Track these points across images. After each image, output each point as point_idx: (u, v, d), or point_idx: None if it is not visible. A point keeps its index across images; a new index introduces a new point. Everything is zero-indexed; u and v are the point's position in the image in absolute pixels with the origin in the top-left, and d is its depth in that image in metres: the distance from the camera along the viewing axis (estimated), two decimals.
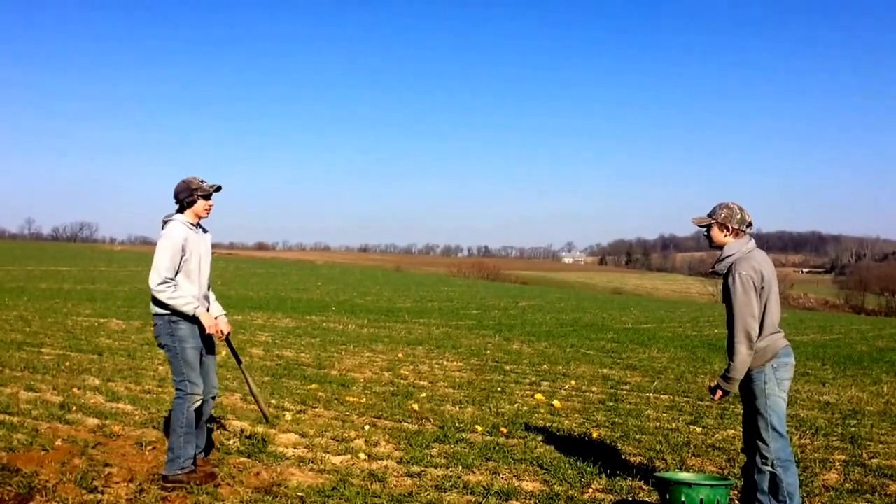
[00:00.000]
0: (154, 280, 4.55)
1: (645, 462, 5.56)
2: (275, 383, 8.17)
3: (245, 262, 60.38)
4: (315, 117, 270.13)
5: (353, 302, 23.18)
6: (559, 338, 14.47)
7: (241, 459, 5.23)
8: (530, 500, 4.64)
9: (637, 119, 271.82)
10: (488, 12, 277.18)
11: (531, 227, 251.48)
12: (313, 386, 8.07)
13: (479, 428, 6.38)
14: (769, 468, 4.06)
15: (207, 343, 4.85)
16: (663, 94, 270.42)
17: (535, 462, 5.39)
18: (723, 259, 4.19)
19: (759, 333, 4.07)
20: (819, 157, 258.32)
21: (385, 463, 5.27)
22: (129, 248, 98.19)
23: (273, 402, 7.16)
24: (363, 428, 6.26)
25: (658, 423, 6.88)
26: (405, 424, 6.49)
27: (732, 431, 6.56)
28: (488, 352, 11.77)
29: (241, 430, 5.98)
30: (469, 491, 4.73)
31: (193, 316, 4.63)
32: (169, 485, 4.57)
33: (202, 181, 4.71)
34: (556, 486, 4.88)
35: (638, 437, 6.32)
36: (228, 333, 4.90)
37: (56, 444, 5.36)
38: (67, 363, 8.93)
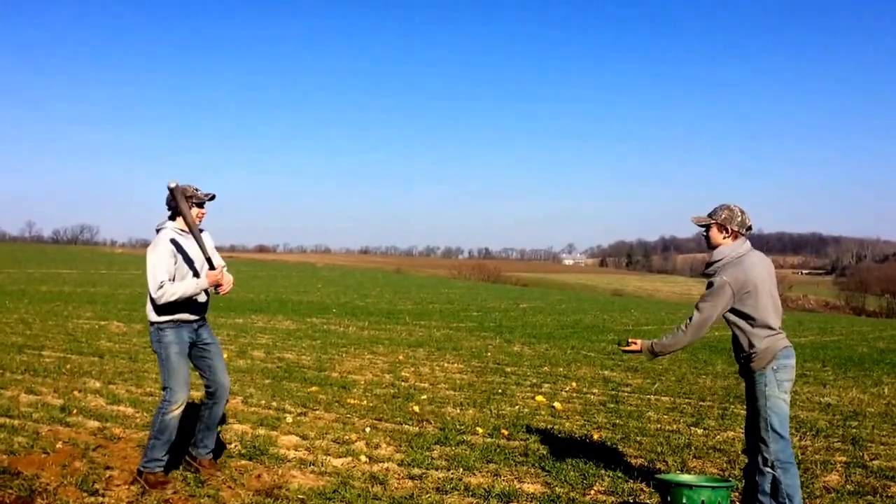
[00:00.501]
0: (153, 289, 4.53)
1: (646, 464, 5.56)
2: (276, 386, 8.17)
3: (246, 265, 60.37)
4: (315, 119, 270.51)
5: (353, 304, 23.18)
6: (560, 339, 14.47)
7: (242, 462, 5.23)
8: (531, 502, 4.63)
9: (637, 120, 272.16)
10: (489, 14, 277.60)
11: (532, 228, 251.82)
12: (314, 388, 8.07)
13: (480, 430, 6.38)
14: (769, 469, 4.06)
15: (204, 343, 4.85)
16: (663, 96, 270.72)
17: (536, 464, 5.39)
18: (713, 263, 4.25)
19: (758, 336, 4.10)
20: (819, 159, 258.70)
21: (386, 465, 5.27)
22: (129, 250, 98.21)
23: (274, 404, 7.16)
24: (364, 430, 6.26)
25: (659, 425, 6.87)
26: (406, 426, 6.49)
27: (733, 433, 6.55)
28: (489, 354, 11.77)
29: (243, 433, 5.98)
30: (470, 493, 4.72)
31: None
32: (144, 475, 4.62)
33: (196, 189, 4.70)
34: (557, 488, 4.87)
35: (639, 438, 6.32)
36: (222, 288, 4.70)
37: (57, 446, 5.36)
38: (68, 366, 8.93)
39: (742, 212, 4.24)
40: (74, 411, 6.52)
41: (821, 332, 20.45)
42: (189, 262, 4.70)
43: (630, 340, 4.45)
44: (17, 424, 5.98)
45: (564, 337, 15.07)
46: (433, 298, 28.87)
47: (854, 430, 6.87)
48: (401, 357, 10.95)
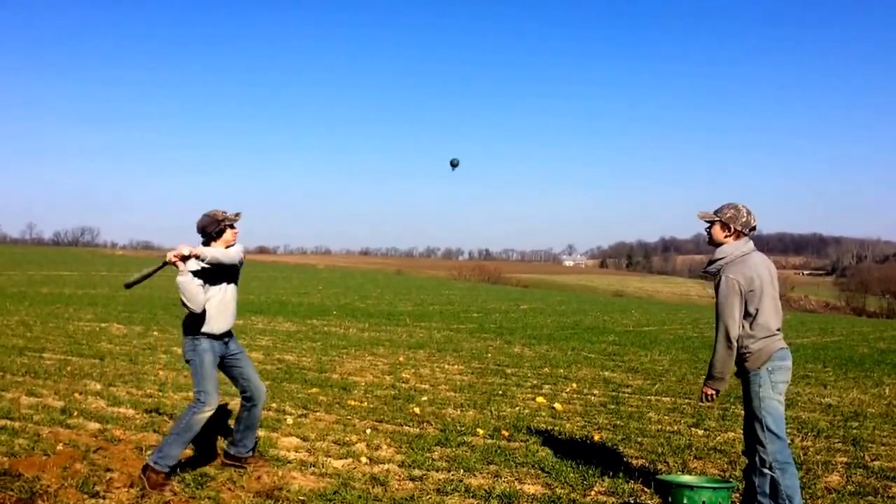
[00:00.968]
0: (197, 306, 4.85)
1: (647, 465, 5.56)
2: (276, 387, 8.17)
3: (246, 266, 60.01)
4: (315, 120, 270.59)
5: (353, 305, 23.18)
6: (560, 341, 14.46)
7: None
8: (532, 503, 4.63)
9: (638, 121, 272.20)
10: (489, 13, 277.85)
11: (532, 230, 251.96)
12: (314, 390, 8.07)
13: (481, 431, 6.38)
14: (767, 470, 4.05)
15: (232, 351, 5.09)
16: (664, 96, 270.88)
17: (536, 465, 5.39)
18: (714, 261, 4.23)
19: (753, 336, 4.09)
20: (820, 159, 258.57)
21: (386, 466, 5.27)
22: (130, 252, 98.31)
23: (274, 405, 7.16)
24: (364, 432, 6.26)
25: (660, 426, 6.87)
26: (406, 428, 6.49)
27: (734, 434, 6.55)
28: (489, 355, 11.77)
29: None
30: (471, 494, 4.72)
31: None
32: (148, 473, 4.67)
33: (225, 212, 5.02)
34: (557, 490, 4.87)
35: (640, 439, 6.32)
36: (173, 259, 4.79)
37: (57, 448, 5.36)
38: (69, 368, 8.93)
39: (748, 212, 4.22)
40: (75, 413, 6.52)
41: (821, 333, 20.45)
42: (212, 274, 4.94)
43: (704, 393, 4.28)
44: (17, 426, 5.98)
45: (565, 338, 15.06)
46: (433, 300, 28.88)
47: (855, 431, 6.87)
48: (401, 358, 10.95)
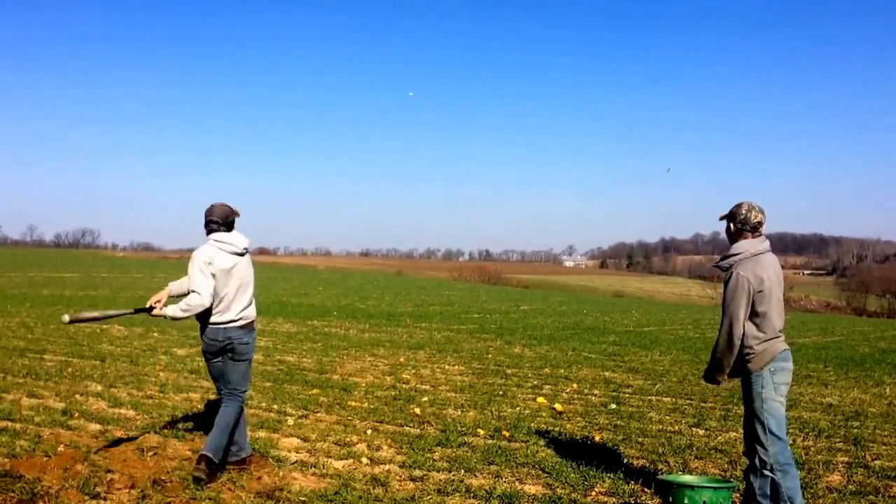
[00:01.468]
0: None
1: (647, 465, 5.56)
2: (276, 388, 8.17)
3: None
4: (315, 121, 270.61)
5: (354, 306, 23.18)
6: (561, 341, 14.46)
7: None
8: (533, 503, 4.63)
9: (638, 121, 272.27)
10: (489, 13, 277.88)
11: (532, 230, 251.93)
12: (315, 391, 8.07)
13: (482, 431, 6.38)
14: (768, 472, 4.04)
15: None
16: (664, 96, 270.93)
17: (537, 465, 5.39)
18: (728, 256, 4.20)
19: (759, 337, 4.07)
20: (820, 159, 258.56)
21: (387, 467, 5.27)
22: (131, 254, 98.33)
23: (275, 406, 7.16)
24: (365, 432, 6.26)
25: (660, 426, 6.87)
26: (407, 428, 6.49)
27: (735, 434, 6.55)
28: (490, 355, 11.77)
29: None
30: (472, 495, 4.72)
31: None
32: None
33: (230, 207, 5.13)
34: (558, 490, 4.87)
35: (640, 439, 6.32)
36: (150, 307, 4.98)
37: (58, 449, 5.36)
38: (70, 369, 8.93)
39: (749, 210, 4.19)
40: (76, 415, 6.52)
41: (822, 333, 20.44)
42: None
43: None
44: (18, 428, 5.98)
45: (565, 338, 15.06)
46: (434, 300, 28.87)
47: (856, 431, 6.87)
48: (402, 359, 10.95)
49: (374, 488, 4.78)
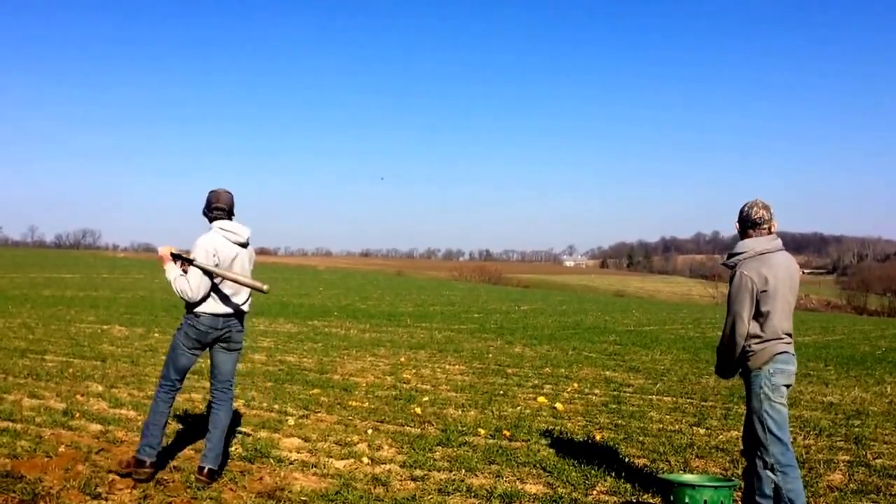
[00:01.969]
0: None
1: (648, 464, 5.55)
2: (277, 388, 8.18)
3: None
4: (316, 122, 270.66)
5: (354, 306, 23.18)
6: (561, 341, 14.46)
7: (245, 464, 5.23)
8: (534, 502, 4.63)
9: (638, 121, 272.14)
10: (489, 13, 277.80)
11: (532, 230, 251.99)
12: (316, 391, 8.07)
13: (482, 431, 6.38)
14: (769, 472, 4.02)
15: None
16: (664, 95, 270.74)
17: (538, 465, 5.39)
18: (733, 254, 4.21)
19: (760, 337, 4.06)
20: (821, 158, 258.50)
21: (388, 467, 5.27)
22: (132, 255, 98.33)
23: (276, 407, 7.16)
24: (366, 432, 6.27)
25: (661, 425, 6.87)
26: (408, 428, 6.49)
27: (735, 433, 6.54)
28: (490, 355, 11.77)
29: (245, 436, 5.98)
30: (472, 494, 4.72)
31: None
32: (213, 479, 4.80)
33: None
34: (559, 489, 4.87)
35: (641, 439, 6.32)
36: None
37: (59, 450, 5.36)
38: (71, 370, 8.93)
39: (751, 207, 4.17)
40: (77, 415, 6.52)
41: (823, 332, 20.43)
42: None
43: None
44: (20, 428, 5.99)
45: (566, 338, 15.06)
46: (434, 300, 28.87)
47: (857, 429, 6.87)
48: (402, 359, 10.95)
49: (375, 488, 4.78)
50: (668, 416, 7.31)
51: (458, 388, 8.58)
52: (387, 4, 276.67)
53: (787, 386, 4.12)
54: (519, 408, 7.52)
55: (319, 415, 6.92)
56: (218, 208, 4.88)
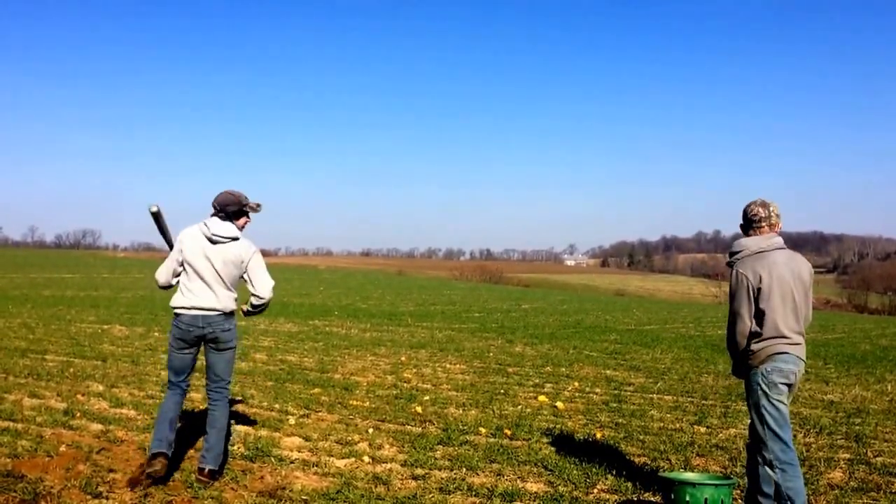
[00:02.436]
0: (272, 286, 5.08)
1: (649, 462, 5.56)
2: (278, 388, 8.18)
3: None
4: (316, 122, 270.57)
5: (355, 306, 23.19)
6: (562, 340, 14.46)
7: (246, 463, 5.23)
8: (534, 501, 4.63)
9: (638, 120, 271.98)
10: (489, 14, 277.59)
11: (533, 229, 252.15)
12: (316, 390, 8.08)
13: (483, 430, 6.38)
14: (769, 469, 4.02)
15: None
16: (664, 95, 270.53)
17: (539, 463, 5.39)
18: (733, 253, 4.25)
19: (760, 335, 4.06)
20: (821, 157, 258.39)
21: (389, 466, 5.27)
22: (132, 254, 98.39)
23: (276, 406, 7.16)
24: (367, 431, 6.27)
25: (662, 424, 6.87)
26: (409, 427, 6.50)
27: (736, 431, 6.55)
28: (491, 354, 11.77)
29: (245, 435, 5.99)
30: (473, 493, 4.73)
31: None
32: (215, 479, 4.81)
33: (247, 197, 5.09)
34: (560, 487, 4.88)
35: (642, 437, 6.32)
36: None
37: (60, 449, 5.37)
38: (71, 369, 8.94)
39: (752, 206, 4.22)
40: (78, 415, 6.52)
41: (823, 330, 20.43)
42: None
43: None
44: (20, 428, 5.99)
45: (566, 337, 15.06)
46: (435, 300, 28.88)
47: (857, 427, 6.87)
48: (403, 358, 10.95)
49: (375, 487, 4.78)
50: (668, 415, 7.31)
51: (459, 387, 8.58)
52: (387, 4, 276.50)
53: (789, 385, 4.09)
54: (520, 406, 7.53)
55: (320, 414, 6.92)
56: (214, 207, 5.00)
